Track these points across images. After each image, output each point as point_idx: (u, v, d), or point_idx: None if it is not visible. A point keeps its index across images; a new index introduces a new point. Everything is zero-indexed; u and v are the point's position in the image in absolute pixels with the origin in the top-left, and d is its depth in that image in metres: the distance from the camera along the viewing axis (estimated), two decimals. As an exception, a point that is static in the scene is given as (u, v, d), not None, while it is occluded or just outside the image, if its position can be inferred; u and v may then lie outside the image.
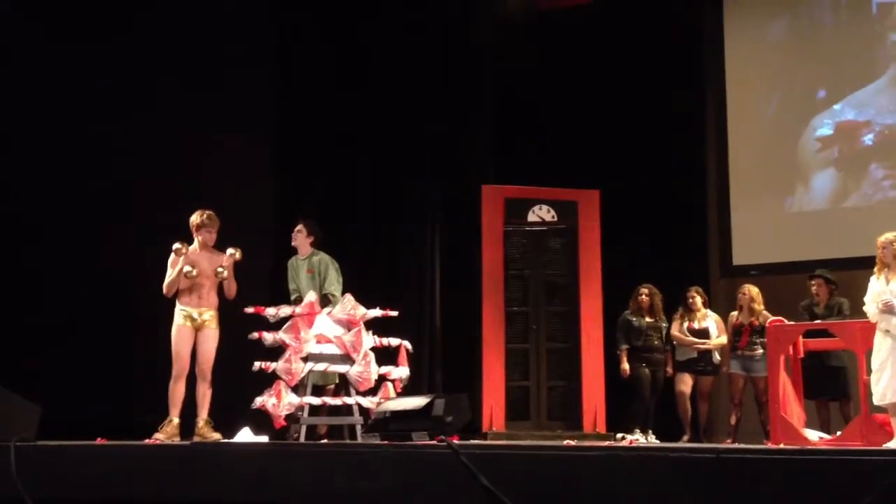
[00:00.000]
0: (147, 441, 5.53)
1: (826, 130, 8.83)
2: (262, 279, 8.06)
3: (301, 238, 6.99)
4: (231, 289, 6.31)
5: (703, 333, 7.76)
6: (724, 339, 7.68)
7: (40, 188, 8.06)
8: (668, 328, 7.85)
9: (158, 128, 8.40)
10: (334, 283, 6.89)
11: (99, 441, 4.94)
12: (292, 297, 6.91)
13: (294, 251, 7.06)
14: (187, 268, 6.14)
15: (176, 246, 6.20)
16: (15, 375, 5.16)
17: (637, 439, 7.35)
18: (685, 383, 7.72)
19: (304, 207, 8.12)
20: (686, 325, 7.79)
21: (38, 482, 4.04)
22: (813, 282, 7.40)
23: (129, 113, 8.31)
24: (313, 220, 7.10)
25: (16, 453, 4.02)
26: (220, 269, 6.21)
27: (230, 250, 6.28)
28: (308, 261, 6.98)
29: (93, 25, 8.37)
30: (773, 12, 9.27)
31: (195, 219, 6.34)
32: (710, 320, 7.84)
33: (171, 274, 6.23)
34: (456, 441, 4.42)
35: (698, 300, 7.84)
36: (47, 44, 8.20)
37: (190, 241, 6.34)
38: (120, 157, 8.27)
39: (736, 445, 6.76)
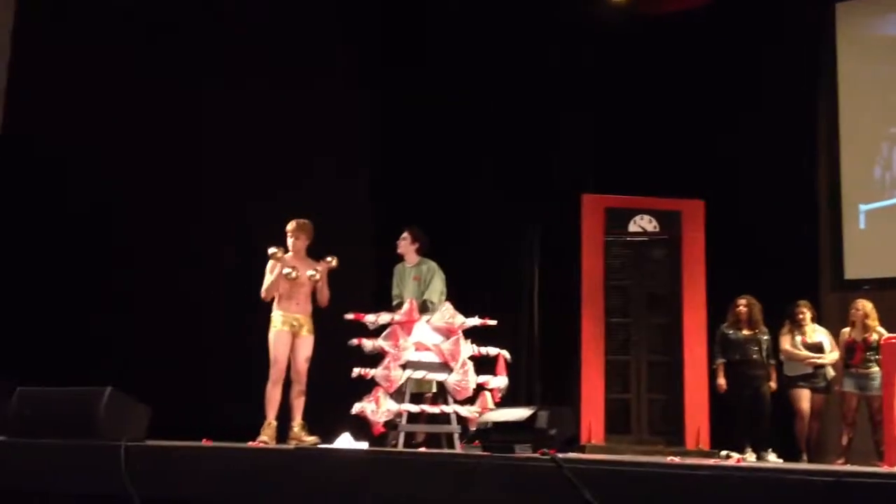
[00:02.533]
0: (251, 444, 5.61)
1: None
2: (364, 286, 8.13)
3: (406, 245, 7.01)
4: (324, 296, 6.41)
5: (817, 348, 7.48)
6: (836, 355, 7.41)
7: (151, 199, 8.31)
8: (770, 341, 7.59)
9: (261, 136, 8.57)
10: (435, 292, 6.88)
11: (205, 442, 5.04)
12: (394, 303, 6.95)
13: (400, 258, 7.10)
14: (287, 269, 6.26)
15: (271, 250, 6.36)
16: (126, 378, 5.29)
17: (745, 457, 7.12)
18: (805, 400, 7.43)
19: (404, 213, 8.16)
20: (799, 338, 7.52)
21: (146, 481, 4.12)
22: None
23: (232, 122, 8.51)
24: (418, 227, 7.12)
25: (126, 452, 4.11)
26: (311, 272, 6.32)
27: (328, 258, 6.40)
28: (416, 268, 7.00)
29: (197, 41, 8.60)
30: (887, 13, 8.90)
31: (289, 226, 6.49)
32: (821, 334, 7.56)
33: (269, 279, 6.36)
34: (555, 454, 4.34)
35: (808, 315, 7.57)
36: (146, 72, 8.43)
37: (287, 249, 6.47)
38: (221, 164, 8.47)
39: (858, 468, 6.48)
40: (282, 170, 8.46)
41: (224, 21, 8.72)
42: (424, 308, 6.70)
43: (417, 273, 6.96)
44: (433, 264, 7.00)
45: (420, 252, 7.01)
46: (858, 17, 9.03)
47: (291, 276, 6.27)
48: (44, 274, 7.95)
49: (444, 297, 6.87)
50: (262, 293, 6.39)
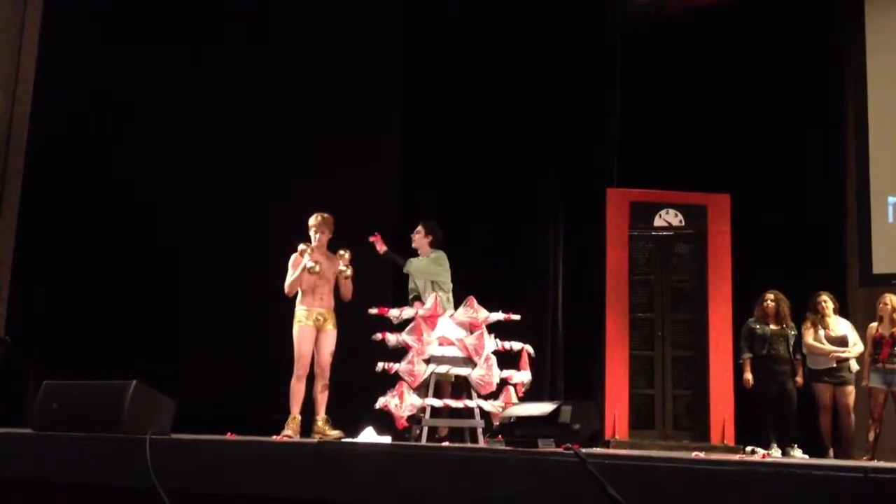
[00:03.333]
0: (275, 438, 5.63)
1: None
2: (384, 281, 8.14)
3: (420, 238, 7.04)
4: (348, 290, 6.42)
5: (841, 341, 7.39)
6: (861, 348, 7.33)
7: (174, 195, 8.36)
8: (797, 336, 7.51)
9: (279, 130, 8.60)
10: (424, 267, 6.88)
11: (229, 436, 5.06)
12: (410, 297, 6.96)
13: (415, 253, 7.10)
14: (310, 263, 6.27)
15: (301, 247, 6.38)
16: (151, 371, 5.32)
17: (770, 453, 7.06)
18: (826, 396, 7.37)
19: (426, 208, 8.15)
20: (822, 332, 7.44)
21: (171, 475, 4.14)
22: None
23: (260, 121, 8.56)
24: (433, 220, 7.13)
25: (151, 446, 4.13)
26: (343, 268, 6.33)
27: (341, 251, 6.41)
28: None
29: (226, 37, 8.64)
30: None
31: (312, 220, 6.50)
32: (844, 327, 7.48)
33: (292, 274, 6.37)
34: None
35: (830, 306, 7.48)
36: (191, 66, 8.49)
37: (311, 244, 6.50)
38: (244, 161, 8.50)
39: (885, 464, 6.41)
40: (303, 167, 8.48)
41: (257, 26, 8.77)
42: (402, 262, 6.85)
43: None
44: (442, 253, 7.00)
45: (433, 245, 7.02)
46: (887, 6, 8.90)
47: (315, 270, 6.29)
48: (70, 269, 8.01)
49: (447, 282, 6.86)
50: (286, 288, 6.42)
